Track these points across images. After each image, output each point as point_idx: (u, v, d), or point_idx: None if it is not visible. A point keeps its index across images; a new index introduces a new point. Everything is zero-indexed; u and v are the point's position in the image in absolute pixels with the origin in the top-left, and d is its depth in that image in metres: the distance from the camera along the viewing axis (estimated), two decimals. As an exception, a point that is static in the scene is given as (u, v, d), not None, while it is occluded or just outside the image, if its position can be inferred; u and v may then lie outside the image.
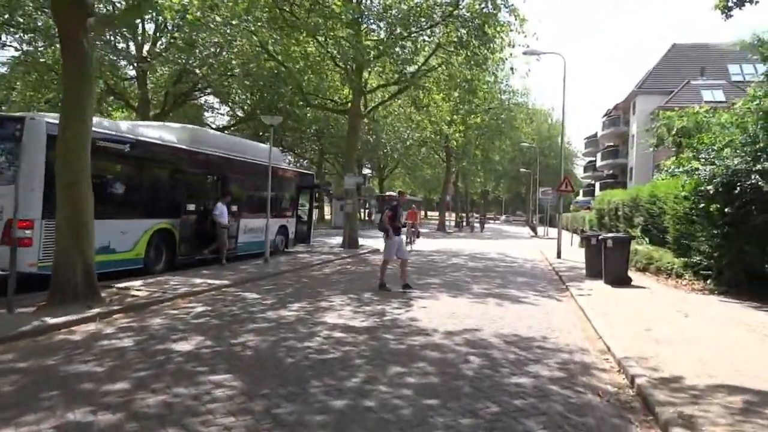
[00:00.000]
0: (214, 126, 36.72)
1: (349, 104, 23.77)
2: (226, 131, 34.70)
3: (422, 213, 77.66)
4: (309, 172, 23.53)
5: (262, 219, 16.44)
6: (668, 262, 15.08)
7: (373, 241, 28.89)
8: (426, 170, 63.70)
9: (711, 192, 12.14)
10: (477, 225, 54.34)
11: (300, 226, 20.69)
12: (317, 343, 6.84)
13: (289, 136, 43.02)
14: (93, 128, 11.11)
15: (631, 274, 14.25)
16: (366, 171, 71.99)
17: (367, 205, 60.39)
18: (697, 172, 12.90)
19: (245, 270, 13.99)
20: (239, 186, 15.98)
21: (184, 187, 13.99)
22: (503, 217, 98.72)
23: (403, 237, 12.21)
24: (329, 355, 6.26)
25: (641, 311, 9.87)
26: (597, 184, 61.49)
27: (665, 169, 17.90)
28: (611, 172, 60.25)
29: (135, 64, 27.53)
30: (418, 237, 23.55)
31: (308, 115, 31.34)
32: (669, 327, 8.52)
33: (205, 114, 40.88)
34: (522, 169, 71.58)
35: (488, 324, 8.46)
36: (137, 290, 10.38)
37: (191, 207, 14.04)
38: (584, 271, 15.67)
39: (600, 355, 7.05)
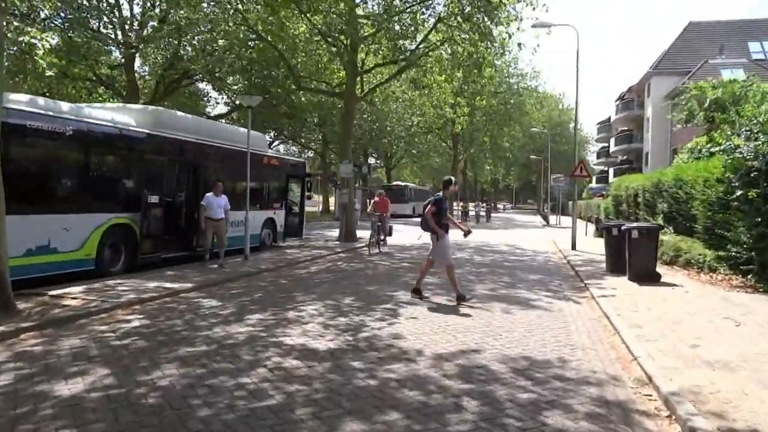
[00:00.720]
0: (210, 115, 35.07)
1: (344, 86, 21.96)
2: (222, 120, 33.05)
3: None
4: (300, 160, 21.73)
5: (241, 212, 14.80)
6: (699, 254, 13.21)
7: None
8: (434, 159, 61.80)
9: (755, 171, 10.28)
10: (483, 214, 50.59)
11: (291, 218, 18.98)
12: (258, 378, 5.09)
13: (289, 124, 41.27)
14: (22, 108, 9.48)
15: (658, 268, 12.40)
16: (372, 160, 70.33)
17: (372, 195, 58.50)
18: (738, 150, 10.99)
19: (218, 270, 12.29)
20: (215, 175, 14.23)
21: (145, 176, 12.25)
22: (509, 206, 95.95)
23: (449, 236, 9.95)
24: (264, 402, 4.50)
25: (680, 318, 8.05)
26: (610, 171, 59.30)
27: (695, 148, 15.93)
28: (625, 157, 58.04)
29: (121, 49, 25.88)
30: (389, 234, 19.77)
31: (303, 100, 29.62)
32: (722, 341, 6.70)
33: (202, 102, 39.33)
34: (532, 156, 69.37)
35: (491, 341, 6.68)
36: (73, 298, 8.70)
37: (154, 199, 12.29)
38: (604, 266, 13.84)
39: (638, 387, 5.27)
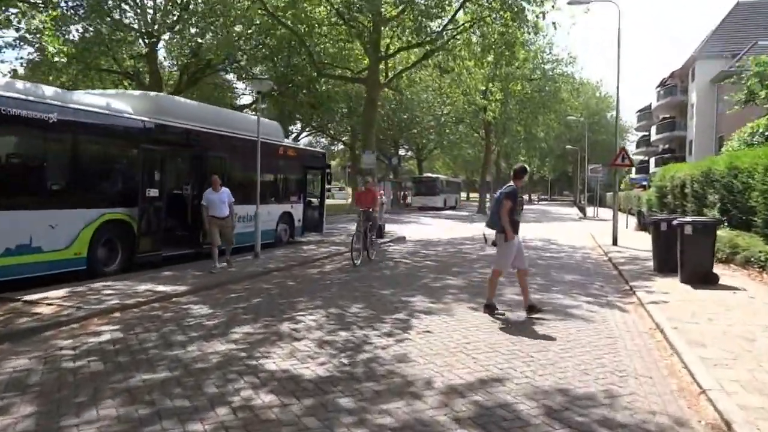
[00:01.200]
0: (236, 106, 34.29)
1: (366, 72, 20.78)
2: (247, 110, 32.23)
3: (462, 195, 74.08)
4: (319, 151, 20.62)
5: (253, 206, 13.84)
6: (760, 251, 11.66)
7: (401, 227, 26.01)
8: (466, 150, 60.21)
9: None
10: None
11: (310, 212, 17.94)
12: (213, 425, 3.96)
13: (317, 115, 40.30)
14: (-2, 92, 8.57)
15: (714, 267, 10.93)
16: (402, 152, 68.95)
17: (403, 187, 57.21)
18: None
19: (222, 270, 11.30)
20: (224, 166, 13.24)
21: (144, 168, 11.27)
22: (542, 198, 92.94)
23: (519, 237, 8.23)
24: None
25: (752, 333, 6.67)
26: (651, 160, 56.88)
27: (754, 131, 14.26)
28: (667, 146, 55.59)
29: (144, 40, 25.26)
30: (380, 236, 17.27)
31: (327, 88, 28.52)
32: (814, 369, 5.35)
33: (230, 94, 38.63)
34: (568, 146, 67.09)
35: (520, 365, 5.44)
36: (48, 305, 7.75)
37: (154, 193, 11.33)
38: (651, 264, 12.40)
39: (715, 438, 4.00)
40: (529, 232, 23.71)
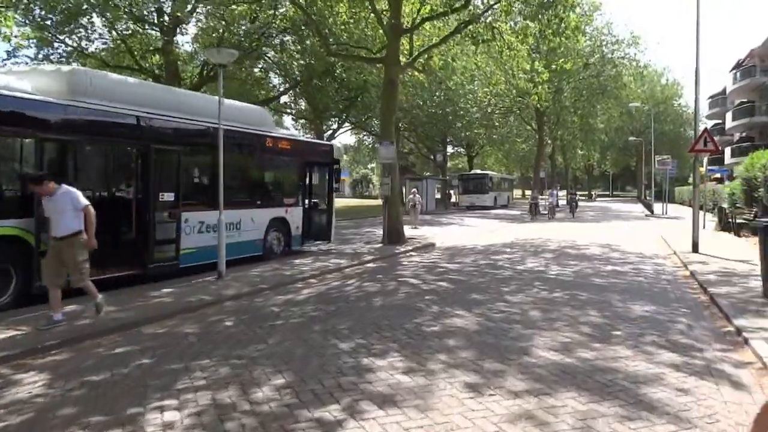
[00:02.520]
0: (259, 99, 31.71)
1: (384, 51, 17.55)
2: (269, 105, 29.54)
3: (517, 192, 69.39)
4: (325, 143, 17.38)
5: (230, 211, 10.91)
6: None
7: (438, 230, 22.62)
8: (519, 144, 56.10)
9: None
10: (560, 206, 34.37)
11: (314, 216, 14.92)
12: None
13: (352, 108, 37.35)
14: None
15: None
16: (451, 149, 65.20)
17: (450, 185, 53.64)
18: None
19: (148, 298, 8.34)
20: (175, 162, 10.31)
21: (48, 166, 8.40)
22: (600, 194, 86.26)
23: None
24: None
25: None
26: (726, 151, 51.26)
27: None
28: (744, 134, 50.02)
29: (160, 31, 23.10)
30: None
31: (357, 78, 25.51)
32: None
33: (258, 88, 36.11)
34: (631, 138, 61.78)
35: None
36: None
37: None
38: (758, 285, 8.71)
39: None
40: (585, 235, 19.91)
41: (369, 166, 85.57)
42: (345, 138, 74.31)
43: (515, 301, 8.34)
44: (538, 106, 31.56)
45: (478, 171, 52.46)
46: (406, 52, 18.20)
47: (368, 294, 9.15)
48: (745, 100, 48.73)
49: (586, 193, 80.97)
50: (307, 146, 15.02)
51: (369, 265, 12.72)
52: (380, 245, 16.05)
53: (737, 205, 21.16)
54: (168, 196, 10.17)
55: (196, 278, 10.17)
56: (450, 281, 10.29)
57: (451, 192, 50.00)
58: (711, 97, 64.00)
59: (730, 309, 7.45)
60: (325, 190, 15.21)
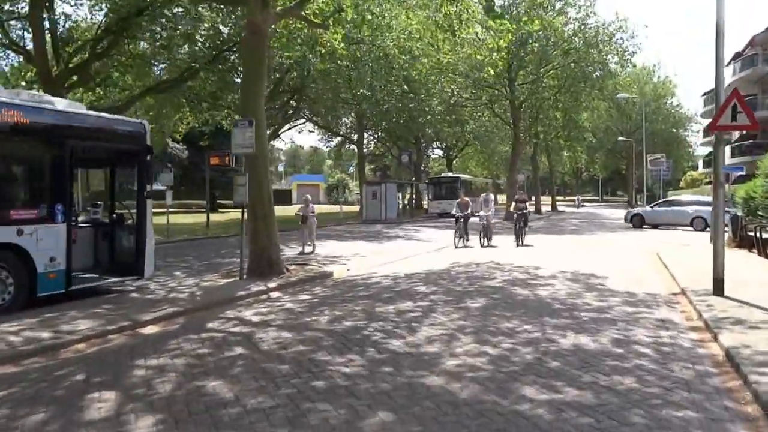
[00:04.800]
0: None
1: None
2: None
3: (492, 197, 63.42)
4: (122, 119, 10.81)
5: None
6: None
7: (365, 248, 17.05)
8: (499, 145, 50.60)
9: None
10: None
11: (119, 238, 9.48)
12: None
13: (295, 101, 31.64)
14: None
15: None
16: (440, 152, 59.74)
17: (419, 191, 48.17)
18: None
19: None
20: None
21: None
22: (583, 200, 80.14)
23: None
24: None
25: None
26: (726, 150, 46.10)
27: None
28: (745, 131, 44.80)
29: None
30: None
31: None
32: None
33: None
34: (620, 138, 56.59)
35: None
36: None
37: None
38: None
39: None
40: (554, 255, 14.49)
41: (350, 171, 79.80)
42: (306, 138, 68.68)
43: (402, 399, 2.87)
44: (504, 91, 25.98)
45: (450, 174, 47.05)
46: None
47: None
48: (746, 93, 43.64)
49: (574, 199, 75.44)
50: (78, 122, 9.15)
51: (147, 330, 7.14)
52: (234, 279, 10.57)
53: (759, 213, 15.81)
54: None
55: None
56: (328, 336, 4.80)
57: (414, 197, 44.46)
58: (705, 93, 59.06)
59: None
60: (131, 197, 9.69)
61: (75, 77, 19.19)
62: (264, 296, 9.35)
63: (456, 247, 16.99)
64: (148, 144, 9.67)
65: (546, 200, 69.59)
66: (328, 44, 16.67)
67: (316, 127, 44.26)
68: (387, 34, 19.76)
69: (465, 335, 6.49)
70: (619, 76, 37.01)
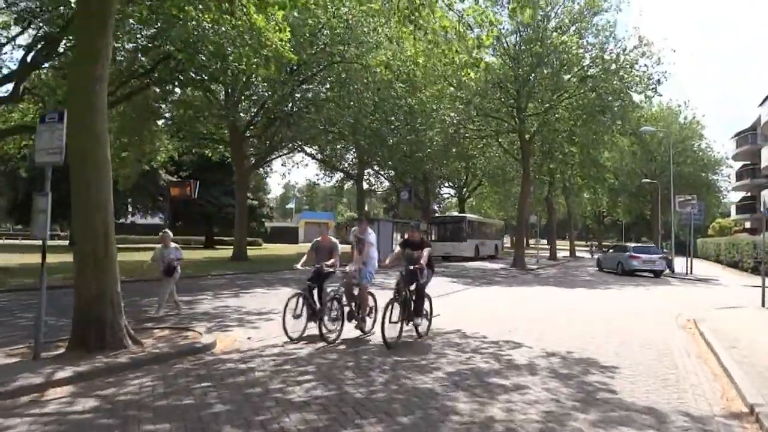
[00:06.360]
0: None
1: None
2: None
3: (504, 240, 58.44)
4: None
5: None
6: None
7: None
8: (512, 184, 46.36)
9: None
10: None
11: None
12: None
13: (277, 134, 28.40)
14: None
15: None
16: (452, 191, 55.89)
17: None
18: None
19: None
20: None
21: None
22: (599, 246, 74.30)
23: None
24: None
25: None
26: (763, 194, 41.62)
27: None
28: (786, 174, 40.67)
29: None
30: None
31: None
32: None
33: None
34: (645, 180, 52.25)
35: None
36: None
37: None
38: None
39: None
40: (551, 322, 10.28)
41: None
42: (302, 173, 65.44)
43: None
44: (512, 123, 22.22)
45: (455, 213, 43.18)
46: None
47: None
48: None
49: (590, 243, 70.51)
50: None
51: None
52: (60, 352, 6.85)
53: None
54: None
55: None
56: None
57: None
58: (738, 134, 54.86)
59: None
60: None
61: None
62: (34, 395, 5.55)
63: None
64: None
65: (563, 244, 65.06)
66: (272, 46, 13.27)
67: (315, 161, 40.85)
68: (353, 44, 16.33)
69: None
70: (643, 108, 33.16)
